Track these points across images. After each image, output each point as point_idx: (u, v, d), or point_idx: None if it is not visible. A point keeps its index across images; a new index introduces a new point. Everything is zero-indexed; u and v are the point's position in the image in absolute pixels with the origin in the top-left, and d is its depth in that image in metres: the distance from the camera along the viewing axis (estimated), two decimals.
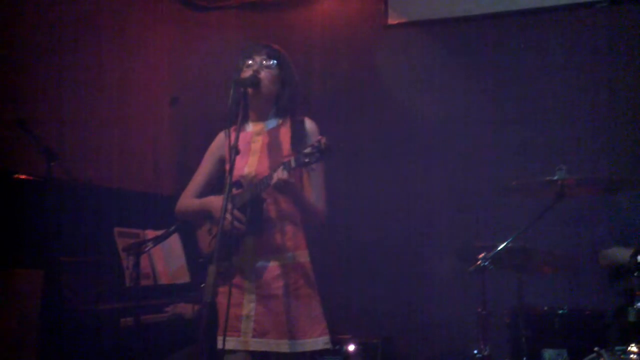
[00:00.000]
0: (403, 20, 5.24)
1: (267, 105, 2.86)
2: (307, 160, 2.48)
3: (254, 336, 2.70)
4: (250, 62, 2.82)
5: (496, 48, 4.98)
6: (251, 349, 2.70)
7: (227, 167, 2.78)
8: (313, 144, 2.47)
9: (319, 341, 2.74)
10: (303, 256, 2.82)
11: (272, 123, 2.89)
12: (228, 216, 2.60)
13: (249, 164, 2.80)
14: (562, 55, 4.82)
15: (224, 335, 2.46)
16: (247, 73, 2.78)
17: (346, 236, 5.04)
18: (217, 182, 2.95)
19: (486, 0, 5.03)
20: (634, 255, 3.09)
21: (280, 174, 2.54)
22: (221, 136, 2.93)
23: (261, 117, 2.88)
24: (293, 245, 2.80)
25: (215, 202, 2.76)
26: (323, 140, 2.46)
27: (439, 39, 5.11)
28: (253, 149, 2.83)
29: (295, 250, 2.80)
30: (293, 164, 2.52)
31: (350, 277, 5.04)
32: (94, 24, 4.70)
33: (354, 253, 5.07)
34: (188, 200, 2.94)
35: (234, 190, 2.71)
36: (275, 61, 2.82)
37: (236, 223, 2.65)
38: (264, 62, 2.81)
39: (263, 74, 2.78)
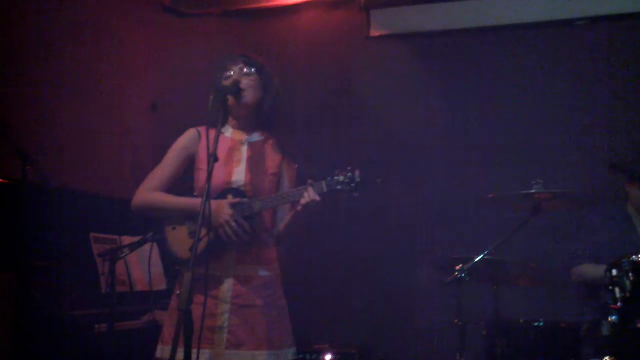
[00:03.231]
0: (384, 32, 5.28)
1: (249, 114, 2.84)
2: (339, 187, 2.54)
3: (227, 348, 2.64)
4: (228, 73, 2.79)
5: (475, 62, 5.03)
6: None
7: (199, 166, 2.78)
8: (346, 173, 2.50)
9: (289, 352, 2.74)
10: (278, 268, 2.84)
11: (257, 135, 2.88)
12: (233, 224, 2.59)
13: (236, 172, 2.77)
14: (540, 71, 4.88)
15: (198, 349, 2.36)
16: (227, 83, 2.76)
17: (324, 246, 5.03)
18: (180, 182, 2.86)
19: (465, 15, 5.08)
20: (608, 270, 3.13)
21: (313, 196, 2.56)
22: (191, 133, 2.87)
23: (244, 126, 2.86)
24: (273, 256, 2.82)
25: (211, 205, 2.55)
26: (357, 173, 2.49)
27: (420, 52, 5.15)
28: (237, 157, 2.80)
29: (274, 262, 2.82)
30: (324, 188, 2.56)
31: (328, 287, 5.03)
32: (75, 29, 4.67)
33: (332, 263, 5.07)
34: (156, 194, 2.79)
35: (231, 197, 2.68)
36: (253, 69, 2.80)
37: (241, 233, 2.64)
38: (243, 70, 2.79)
39: (243, 82, 2.76)
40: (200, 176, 2.77)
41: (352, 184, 2.50)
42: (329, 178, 2.54)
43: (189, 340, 2.22)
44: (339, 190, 2.53)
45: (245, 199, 2.69)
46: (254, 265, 2.74)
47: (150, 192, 2.80)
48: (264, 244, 2.79)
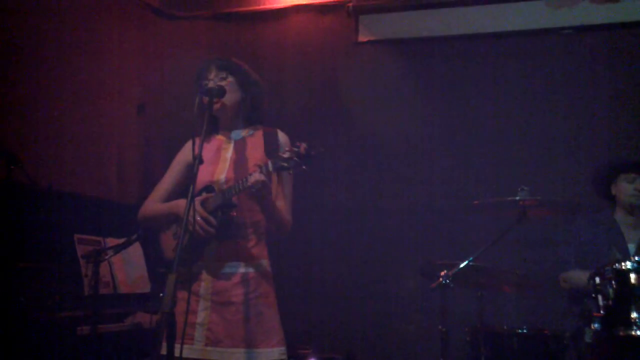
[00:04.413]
0: (373, 38, 5.30)
1: (233, 115, 2.88)
2: (284, 164, 2.49)
3: (206, 344, 2.67)
4: (205, 81, 2.83)
5: (463, 69, 5.05)
6: (204, 357, 2.66)
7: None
8: (292, 149, 2.47)
9: (274, 352, 2.71)
10: (265, 265, 2.81)
11: (244, 132, 2.91)
12: (198, 219, 2.61)
13: (219, 170, 2.80)
14: (525, 79, 4.90)
15: (181, 344, 2.37)
16: (205, 94, 2.77)
17: (309, 251, 5.03)
18: (184, 189, 2.89)
19: (453, 22, 5.11)
20: (591, 278, 3.14)
21: (258, 176, 2.54)
22: (189, 143, 2.88)
23: (231, 126, 2.91)
24: (257, 253, 2.80)
25: (184, 205, 2.65)
26: (303, 146, 2.46)
27: (407, 58, 5.17)
28: (223, 156, 2.85)
29: (259, 259, 2.80)
30: (270, 167, 2.53)
31: (313, 292, 5.02)
32: (63, 29, 4.64)
33: (317, 268, 5.06)
34: (153, 205, 2.89)
35: (205, 194, 2.72)
36: (227, 72, 2.85)
37: (206, 227, 2.65)
38: (218, 75, 2.83)
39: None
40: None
41: (297, 159, 2.47)
42: (274, 158, 2.52)
43: (172, 341, 2.24)
44: (285, 167, 2.49)
45: (211, 194, 2.72)
46: (233, 262, 2.74)
47: (150, 204, 2.91)
48: (245, 239, 2.77)
